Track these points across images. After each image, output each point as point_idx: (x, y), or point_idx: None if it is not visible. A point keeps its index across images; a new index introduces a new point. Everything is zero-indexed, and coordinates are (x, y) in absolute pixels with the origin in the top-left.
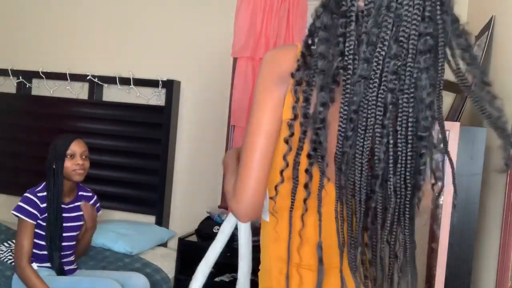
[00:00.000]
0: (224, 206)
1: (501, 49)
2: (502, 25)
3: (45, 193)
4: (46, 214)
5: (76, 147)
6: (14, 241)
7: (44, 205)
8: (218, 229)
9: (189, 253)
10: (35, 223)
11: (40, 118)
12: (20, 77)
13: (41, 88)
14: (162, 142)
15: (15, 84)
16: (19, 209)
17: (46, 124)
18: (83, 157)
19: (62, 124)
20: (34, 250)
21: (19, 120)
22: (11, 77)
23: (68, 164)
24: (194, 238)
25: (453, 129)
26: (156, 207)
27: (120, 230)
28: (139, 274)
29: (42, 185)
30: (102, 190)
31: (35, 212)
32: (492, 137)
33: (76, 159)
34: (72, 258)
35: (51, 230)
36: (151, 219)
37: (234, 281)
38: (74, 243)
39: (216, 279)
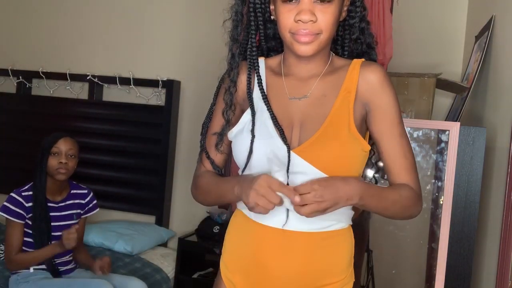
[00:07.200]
0: (224, 206)
1: (501, 49)
2: (502, 25)
3: (30, 192)
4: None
5: (62, 145)
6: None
7: (30, 204)
8: (218, 229)
9: (189, 253)
10: (23, 222)
11: (40, 118)
12: (20, 77)
13: (41, 88)
14: (162, 142)
15: (15, 84)
16: (4, 209)
17: (46, 124)
18: (69, 156)
19: (62, 124)
20: (27, 249)
21: (19, 120)
22: (11, 77)
23: (52, 162)
24: (194, 238)
25: (453, 129)
26: (156, 207)
27: (120, 230)
28: (137, 278)
29: (29, 184)
30: (102, 190)
31: (21, 211)
32: (492, 137)
33: (60, 157)
34: (68, 258)
35: (37, 229)
36: (151, 219)
37: None
38: None
39: None
